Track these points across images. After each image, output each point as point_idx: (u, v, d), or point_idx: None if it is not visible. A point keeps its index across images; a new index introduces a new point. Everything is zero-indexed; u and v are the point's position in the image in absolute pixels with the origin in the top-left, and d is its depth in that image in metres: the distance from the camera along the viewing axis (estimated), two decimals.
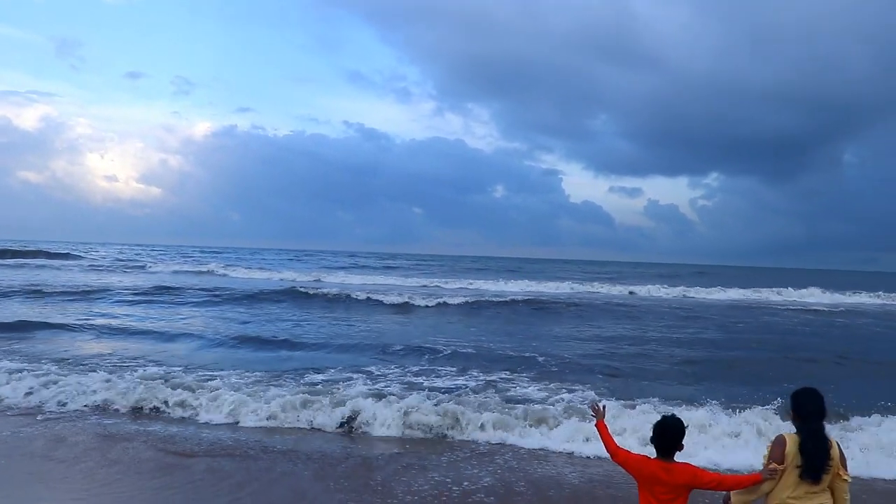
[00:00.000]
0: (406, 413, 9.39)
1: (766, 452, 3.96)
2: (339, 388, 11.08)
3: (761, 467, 3.93)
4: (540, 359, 14.91)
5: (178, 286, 31.45)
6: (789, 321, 25.61)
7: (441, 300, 27.76)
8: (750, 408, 9.70)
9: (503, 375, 13.02)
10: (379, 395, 10.52)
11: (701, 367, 14.55)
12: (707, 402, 10.35)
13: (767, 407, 9.54)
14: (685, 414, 8.69)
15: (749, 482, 3.89)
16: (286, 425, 9.36)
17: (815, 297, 38.12)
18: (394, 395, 10.59)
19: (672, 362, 15.01)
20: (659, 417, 4.00)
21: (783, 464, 3.80)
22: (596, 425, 4.20)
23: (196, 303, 25.94)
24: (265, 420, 9.53)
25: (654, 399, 10.69)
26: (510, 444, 8.69)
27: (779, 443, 3.87)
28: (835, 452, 3.83)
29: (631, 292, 38.31)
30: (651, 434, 3.94)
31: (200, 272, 48.10)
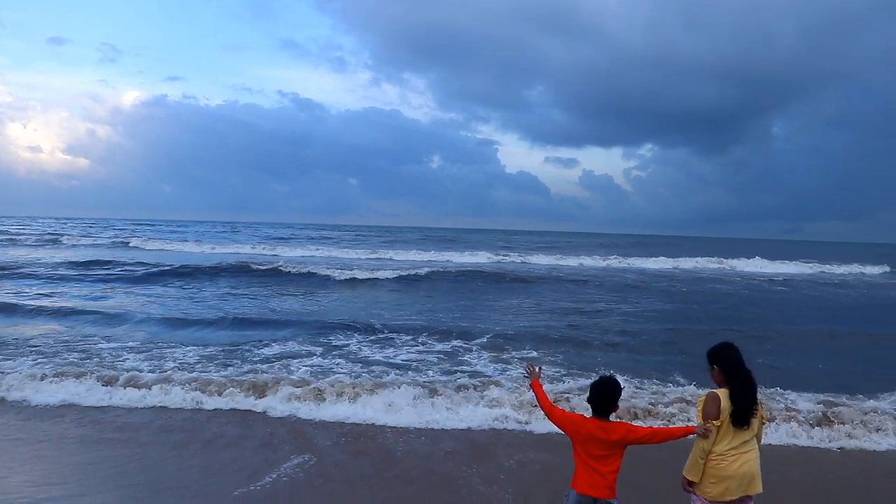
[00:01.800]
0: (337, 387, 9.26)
1: (697, 411, 4.11)
2: (288, 365, 10.91)
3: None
4: (496, 328, 14.99)
5: (110, 260, 30.04)
6: (753, 291, 26.33)
7: (389, 272, 27.40)
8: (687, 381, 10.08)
9: (456, 344, 13.11)
10: (328, 372, 10.50)
11: (653, 337, 14.74)
12: (647, 371, 10.73)
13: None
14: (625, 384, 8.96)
15: (681, 433, 4.10)
16: (230, 406, 8.84)
17: (756, 266, 39.36)
18: (342, 371, 10.55)
19: (626, 334, 15.10)
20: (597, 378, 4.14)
21: (719, 419, 3.95)
22: (531, 385, 4.35)
23: (134, 279, 24.57)
24: (217, 397, 9.05)
25: (599, 368, 10.93)
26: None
27: (713, 399, 4.00)
28: (759, 396, 4.12)
29: (581, 263, 38.74)
30: (588, 394, 4.07)
31: (134, 247, 45.97)
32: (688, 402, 8.71)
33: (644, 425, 5.19)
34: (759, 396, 4.09)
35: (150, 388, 9.19)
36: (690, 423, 4.10)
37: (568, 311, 18.72)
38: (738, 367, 4.04)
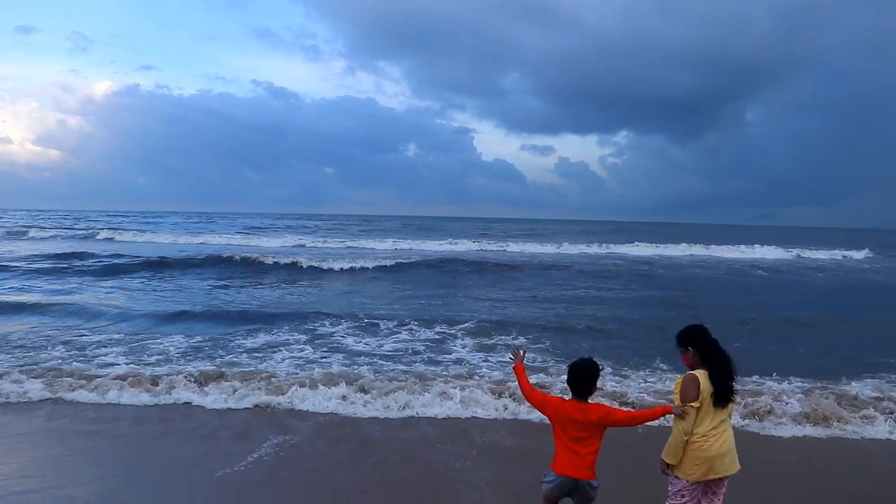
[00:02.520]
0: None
1: (675, 394, 4.08)
2: (272, 357, 10.80)
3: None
4: (481, 315, 14.97)
5: (84, 252, 29.38)
6: (735, 276, 26.52)
7: (371, 261, 27.17)
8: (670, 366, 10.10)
9: (441, 331, 13.06)
10: (312, 363, 10.52)
11: (636, 324, 14.74)
12: (630, 357, 10.78)
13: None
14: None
15: (659, 413, 4.13)
16: (213, 398, 8.54)
17: (738, 252, 39.59)
18: (327, 362, 10.52)
19: (609, 320, 15.09)
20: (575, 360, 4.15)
21: (698, 401, 3.91)
22: (514, 368, 4.37)
23: (110, 271, 23.98)
24: (198, 389, 8.80)
25: (583, 354, 10.86)
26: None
27: (692, 381, 3.96)
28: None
29: (559, 251, 38.76)
30: (567, 376, 4.09)
31: (109, 238, 45.05)
32: (671, 389, 8.67)
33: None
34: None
35: (128, 382, 8.92)
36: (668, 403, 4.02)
37: (551, 297, 18.73)
38: (713, 347, 4.04)
